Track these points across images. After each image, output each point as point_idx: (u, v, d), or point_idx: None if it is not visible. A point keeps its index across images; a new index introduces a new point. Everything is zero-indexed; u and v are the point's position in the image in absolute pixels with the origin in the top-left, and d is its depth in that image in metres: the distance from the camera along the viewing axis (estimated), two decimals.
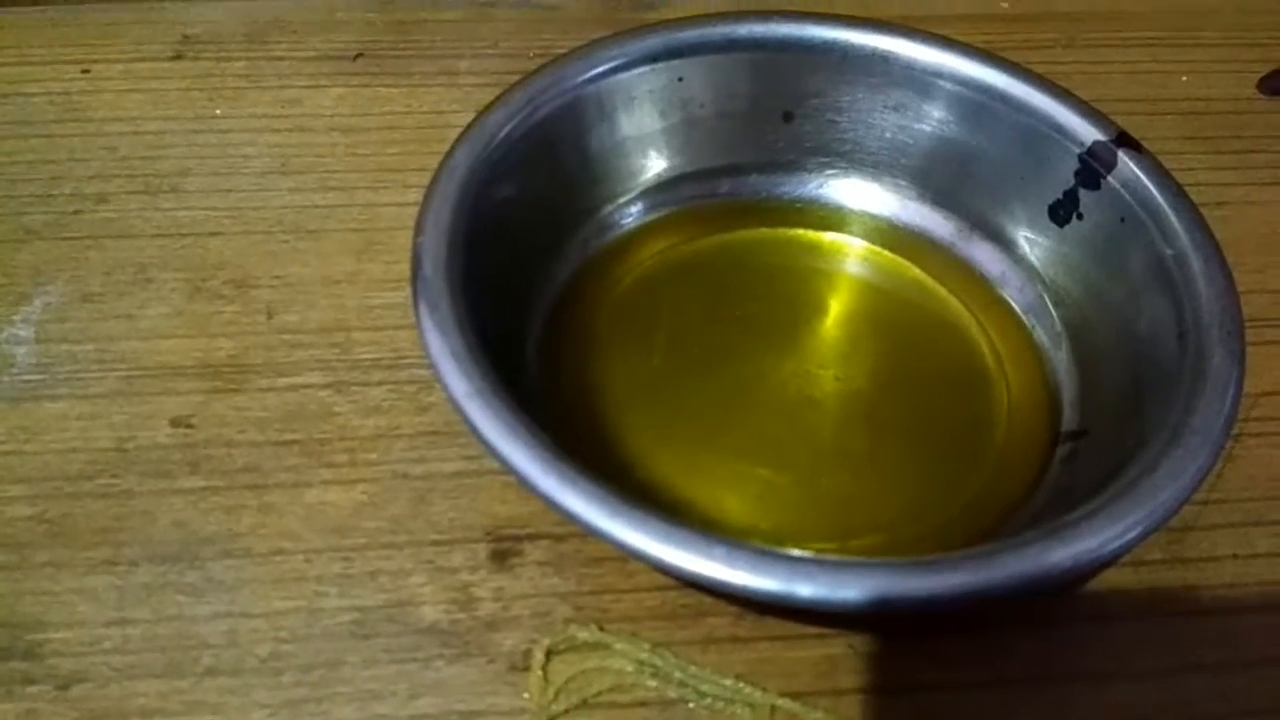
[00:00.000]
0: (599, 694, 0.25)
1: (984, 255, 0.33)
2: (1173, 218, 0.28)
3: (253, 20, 0.40)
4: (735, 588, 0.22)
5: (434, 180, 0.28)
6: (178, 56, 0.39)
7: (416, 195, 0.28)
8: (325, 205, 0.34)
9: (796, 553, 0.22)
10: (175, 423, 0.29)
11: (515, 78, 0.31)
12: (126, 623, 0.26)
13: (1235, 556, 0.28)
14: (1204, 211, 0.29)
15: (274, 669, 0.25)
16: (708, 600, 0.26)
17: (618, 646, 0.26)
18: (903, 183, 0.33)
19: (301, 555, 0.27)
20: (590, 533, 0.22)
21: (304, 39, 0.40)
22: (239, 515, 0.28)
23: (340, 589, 0.26)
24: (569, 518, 0.22)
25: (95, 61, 0.39)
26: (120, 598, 0.26)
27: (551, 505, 0.22)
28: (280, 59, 0.39)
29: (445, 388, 0.24)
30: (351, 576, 0.27)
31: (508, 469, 0.23)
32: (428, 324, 0.25)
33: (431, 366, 0.24)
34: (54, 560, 0.27)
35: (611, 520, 0.22)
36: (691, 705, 0.25)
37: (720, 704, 0.25)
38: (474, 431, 0.23)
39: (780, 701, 0.25)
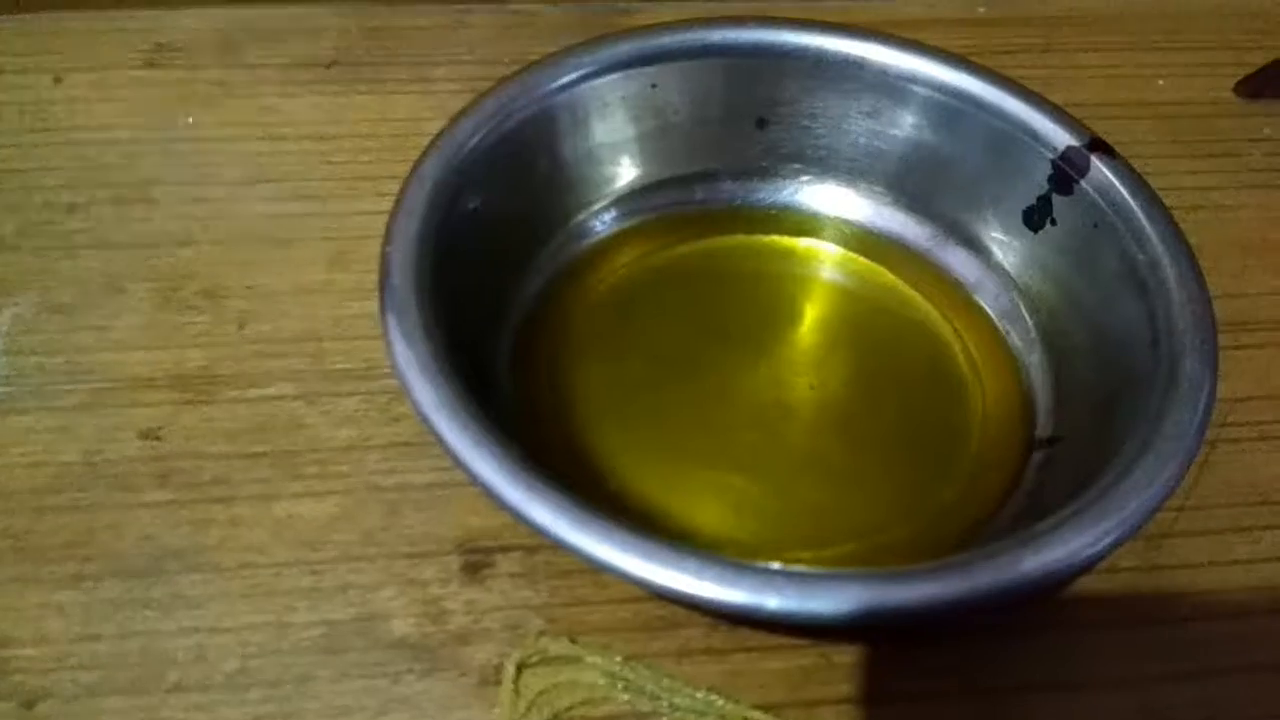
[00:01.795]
0: (571, 707, 0.25)
1: (958, 261, 0.32)
2: (1146, 223, 0.28)
3: (226, 28, 0.40)
4: (703, 600, 0.21)
5: (403, 189, 0.28)
6: (150, 65, 0.39)
7: (390, 204, 0.27)
8: (298, 214, 0.34)
9: (766, 564, 0.22)
10: (144, 435, 0.29)
11: (490, 84, 0.31)
12: (93, 639, 0.25)
13: (1212, 563, 0.28)
14: (1180, 215, 0.29)
15: (241, 685, 0.25)
16: (681, 612, 0.26)
17: (590, 659, 0.25)
18: (877, 188, 0.33)
19: (270, 569, 0.27)
20: (559, 545, 0.22)
21: (277, 46, 0.40)
22: (207, 528, 0.27)
23: (310, 603, 0.26)
24: (537, 530, 0.22)
25: (67, 70, 0.38)
26: (86, 613, 0.26)
27: (519, 518, 0.22)
28: (253, 67, 0.39)
29: (412, 399, 0.24)
30: (321, 590, 0.26)
31: (475, 481, 0.23)
32: (395, 334, 0.25)
33: (398, 378, 0.24)
34: (19, 576, 0.26)
35: (579, 533, 0.22)
36: (665, 718, 0.25)
37: (693, 717, 0.25)
38: (442, 443, 0.23)
39: (753, 714, 0.25)
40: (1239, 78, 0.41)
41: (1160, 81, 0.41)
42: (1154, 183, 0.29)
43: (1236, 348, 0.32)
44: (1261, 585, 0.28)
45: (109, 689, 0.25)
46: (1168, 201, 0.29)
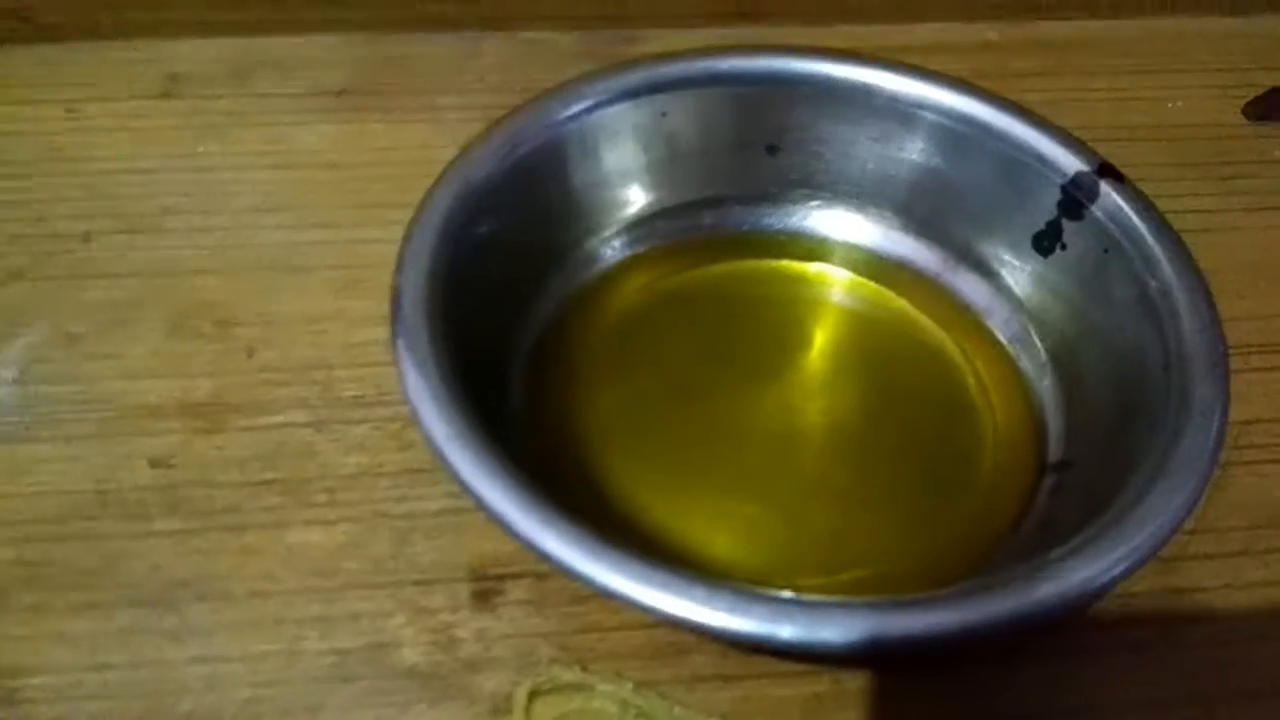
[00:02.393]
0: None
1: (968, 286, 0.32)
2: (1156, 249, 0.28)
3: (239, 58, 0.40)
4: (715, 630, 0.21)
5: (414, 218, 0.28)
6: (164, 95, 0.39)
7: (401, 232, 0.28)
8: (309, 242, 0.34)
9: (778, 593, 0.22)
10: (154, 464, 0.29)
11: (501, 112, 0.31)
12: (104, 668, 0.25)
13: (1225, 587, 0.28)
14: (1189, 238, 0.29)
15: (253, 714, 0.25)
16: (693, 638, 0.26)
17: (601, 687, 0.25)
18: (886, 213, 0.33)
19: (280, 597, 0.27)
20: (571, 575, 0.22)
21: (290, 76, 0.40)
22: (218, 557, 0.27)
23: (320, 631, 0.26)
24: (549, 560, 0.22)
25: (81, 101, 0.38)
26: (98, 642, 0.26)
27: (531, 548, 0.22)
28: (266, 96, 0.39)
29: (424, 429, 0.24)
30: (331, 619, 0.26)
31: (488, 512, 0.23)
32: (407, 364, 0.25)
33: (411, 407, 0.24)
34: (32, 604, 0.26)
35: (592, 562, 0.22)
36: None
37: None
38: (453, 473, 0.23)
39: None
40: (1248, 100, 0.41)
41: (1169, 104, 0.41)
42: (1163, 205, 0.29)
43: (1248, 370, 0.32)
44: (1274, 609, 0.28)
45: (121, 718, 0.25)
46: (1177, 224, 0.29)
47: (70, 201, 0.35)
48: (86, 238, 0.34)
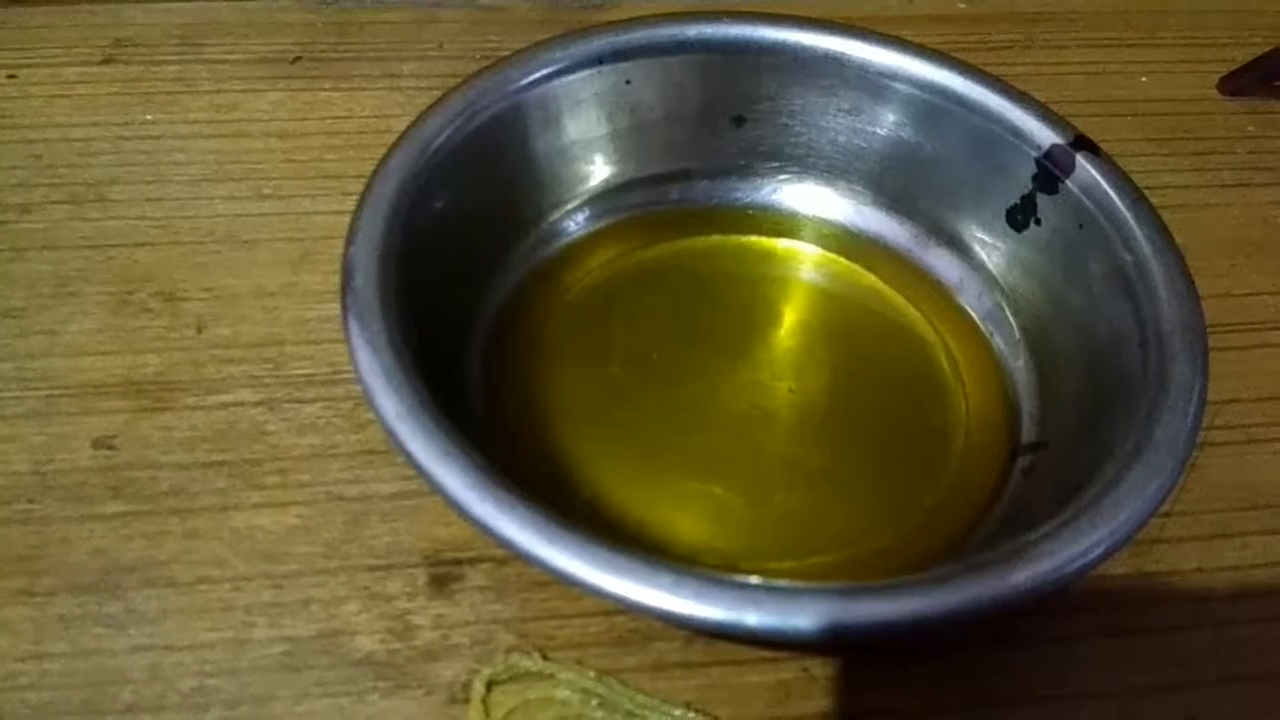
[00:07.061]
0: None
1: (941, 261, 0.32)
2: (1132, 224, 0.27)
3: (187, 22, 0.39)
4: (680, 617, 0.20)
5: (366, 189, 0.27)
6: (108, 60, 0.38)
7: (356, 203, 0.26)
8: (260, 214, 0.33)
9: (744, 579, 0.21)
10: (97, 444, 0.28)
11: (460, 80, 0.30)
12: (43, 657, 0.24)
13: (1200, 570, 0.27)
14: (1164, 214, 0.28)
15: (198, 705, 0.24)
16: (656, 625, 0.25)
17: (562, 675, 0.25)
18: (857, 187, 0.33)
19: (229, 583, 0.26)
20: (529, 560, 0.21)
21: (240, 41, 0.39)
22: (162, 541, 0.26)
23: (270, 619, 0.25)
24: (505, 545, 0.21)
25: (22, 66, 0.37)
26: (37, 630, 0.25)
27: (487, 532, 0.21)
28: (215, 62, 0.38)
29: (375, 407, 0.23)
30: (282, 605, 0.25)
31: (440, 494, 0.22)
32: (358, 340, 0.24)
33: (362, 385, 0.23)
34: None
35: (550, 547, 0.21)
36: None
37: None
38: (405, 455, 0.22)
39: None
40: (1222, 74, 0.40)
41: (1143, 78, 0.40)
42: (1137, 181, 0.29)
43: (1223, 349, 0.31)
44: (1248, 593, 0.27)
45: (60, 709, 0.24)
46: (1151, 201, 0.28)
47: (11, 171, 0.34)
48: (27, 209, 0.33)
